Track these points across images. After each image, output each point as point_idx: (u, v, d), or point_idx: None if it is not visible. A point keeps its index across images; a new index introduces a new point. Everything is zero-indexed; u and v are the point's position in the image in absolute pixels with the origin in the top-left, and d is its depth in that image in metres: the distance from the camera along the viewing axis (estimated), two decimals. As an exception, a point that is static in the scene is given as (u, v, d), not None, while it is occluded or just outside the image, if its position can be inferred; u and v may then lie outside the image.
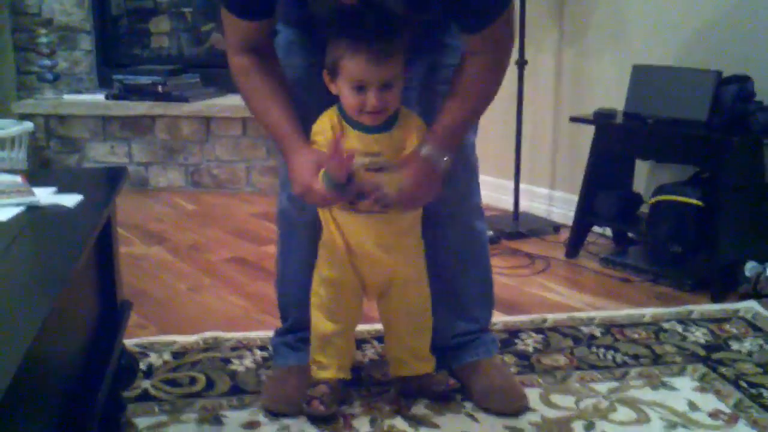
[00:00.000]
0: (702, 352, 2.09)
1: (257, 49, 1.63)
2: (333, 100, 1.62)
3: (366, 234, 1.65)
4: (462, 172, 1.78)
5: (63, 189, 1.60)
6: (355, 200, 1.59)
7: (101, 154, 4.04)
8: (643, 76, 2.74)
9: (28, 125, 3.90)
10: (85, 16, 4.37)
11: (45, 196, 1.55)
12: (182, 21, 4.56)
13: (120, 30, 4.57)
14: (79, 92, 4.28)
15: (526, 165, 3.34)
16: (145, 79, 4.07)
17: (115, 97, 4.10)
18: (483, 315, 1.97)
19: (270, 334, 2.03)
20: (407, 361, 1.82)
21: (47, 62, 4.14)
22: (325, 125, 1.61)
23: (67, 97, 4.17)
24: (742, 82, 2.55)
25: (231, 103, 3.98)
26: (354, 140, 1.58)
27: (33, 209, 1.47)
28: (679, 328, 2.24)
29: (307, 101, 1.67)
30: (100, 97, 4.12)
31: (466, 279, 1.90)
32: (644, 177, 3.01)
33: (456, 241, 1.86)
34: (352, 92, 1.54)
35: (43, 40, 4.11)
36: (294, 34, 1.73)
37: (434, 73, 1.73)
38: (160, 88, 4.03)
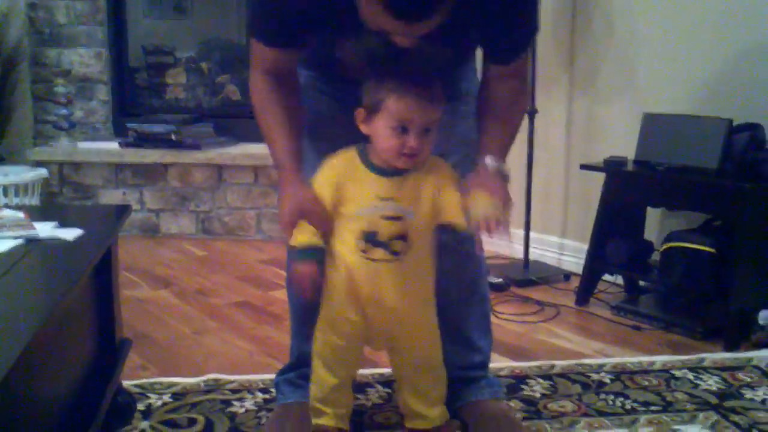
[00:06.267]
0: (714, 400, 2.04)
1: (279, 74, 1.63)
2: (342, 145, 1.61)
3: (379, 281, 1.58)
4: None
5: (64, 224, 1.60)
6: (368, 248, 1.56)
7: (113, 200, 4.06)
8: (653, 124, 2.73)
9: (42, 172, 3.94)
10: (102, 68, 4.43)
11: (45, 230, 1.55)
12: (198, 73, 4.62)
13: (137, 81, 4.63)
14: (94, 140, 4.32)
15: (537, 213, 3.32)
16: (158, 128, 4.09)
17: (129, 146, 4.13)
18: (484, 343, 1.94)
19: (273, 376, 2.00)
20: (422, 413, 1.74)
21: (64, 111, 4.19)
22: (331, 175, 1.58)
23: (82, 145, 4.20)
24: (754, 130, 2.54)
25: (243, 151, 4.00)
26: (369, 183, 1.56)
27: (32, 242, 1.47)
28: (691, 376, 2.19)
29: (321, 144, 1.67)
30: (114, 145, 4.16)
31: (463, 306, 1.87)
32: (655, 225, 2.98)
33: (455, 268, 1.81)
34: (393, 133, 1.50)
35: (61, 89, 4.17)
36: (309, 77, 1.74)
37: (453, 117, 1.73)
38: (173, 137, 4.05)
